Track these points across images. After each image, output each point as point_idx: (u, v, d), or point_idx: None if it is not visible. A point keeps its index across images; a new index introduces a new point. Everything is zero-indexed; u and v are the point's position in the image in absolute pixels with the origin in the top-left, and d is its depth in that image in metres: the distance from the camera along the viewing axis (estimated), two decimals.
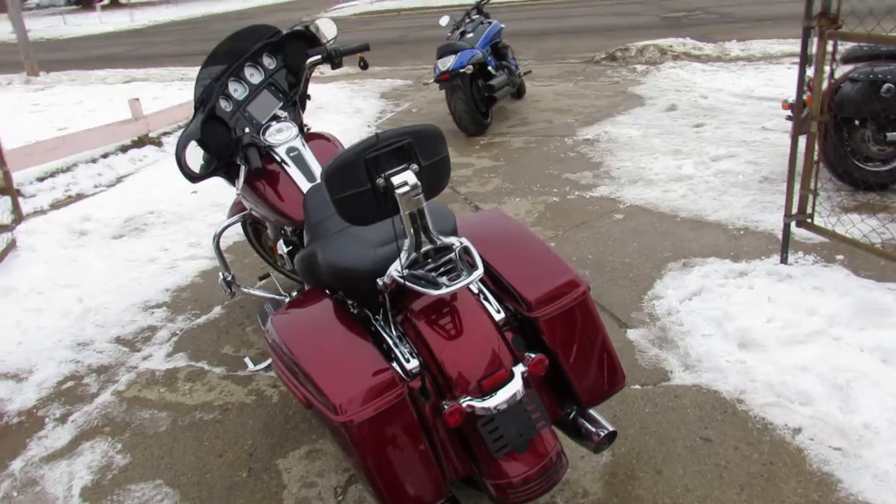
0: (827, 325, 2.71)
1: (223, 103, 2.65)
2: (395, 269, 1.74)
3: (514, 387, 1.70)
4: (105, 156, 6.43)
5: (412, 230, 1.70)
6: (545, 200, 4.54)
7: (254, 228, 3.20)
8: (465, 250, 1.75)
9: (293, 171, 2.57)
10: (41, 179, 5.78)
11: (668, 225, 3.93)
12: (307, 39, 2.94)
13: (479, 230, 2.12)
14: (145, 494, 2.24)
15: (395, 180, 1.64)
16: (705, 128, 5.70)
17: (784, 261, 3.27)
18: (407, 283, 1.68)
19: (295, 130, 2.70)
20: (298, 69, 2.88)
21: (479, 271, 1.69)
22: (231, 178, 2.68)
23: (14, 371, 3.03)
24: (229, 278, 2.96)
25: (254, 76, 2.79)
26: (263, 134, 2.67)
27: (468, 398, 1.68)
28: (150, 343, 3.19)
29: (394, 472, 1.64)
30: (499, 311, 1.87)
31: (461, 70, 5.87)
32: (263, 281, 3.23)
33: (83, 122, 7.34)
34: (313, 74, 3.04)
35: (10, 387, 2.91)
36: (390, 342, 1.81)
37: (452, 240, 1.77)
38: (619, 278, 3.41)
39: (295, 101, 2.89)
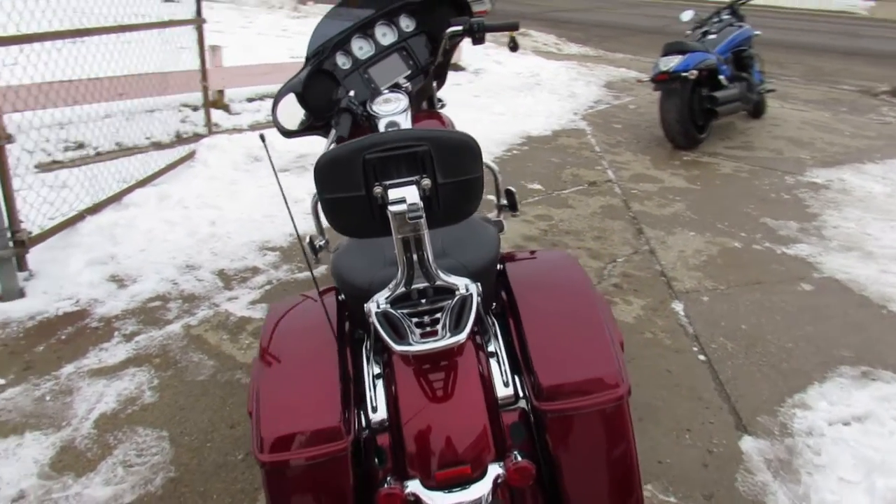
0: None
1: (341, 59, 2.43)
2: (379, 300, 1.40)
3: (477, 491, 1.30)
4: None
5: (404, 260, 1.35)
6: (724, 243, 3.83)
7: None
8: (464, 301, 1.36)
9: None
10: (251, 100, 6.13)
11: (865, 316, 3.09)
12: (458, 6, 2.61)
13: (531, 274, 1.70)
14: (144, 442, 2.17)
15: (392, 194, 1.28)
16: None
17: None
18: (373, 320, 1.34)
19: (403, 104, 2.40)
20: (438, 37, 2.57)
21: (459, 338, 1.29)
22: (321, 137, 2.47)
23: (122, 275, 3.16)
24: (322, 243, 2.79)
25: (386, 36, 2.52)
26: (372, 101, 2.42)
27: (418, 484, 1.32)
28: (244, 285, 3.16)
29: None
30: (507, 385, 1.45)
31: (683, 73, 5.18)
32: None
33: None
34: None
35: (110, 290, 3.04)
36: (366, 381, 1.49)
37: (458, 282, 1.39)
38: (765, 365, 2.73)
39: (427, 71, 2.59)
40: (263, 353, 1.54)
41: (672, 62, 5.26)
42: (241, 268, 3.32)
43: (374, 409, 1.43)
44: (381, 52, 2.50)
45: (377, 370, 1.49)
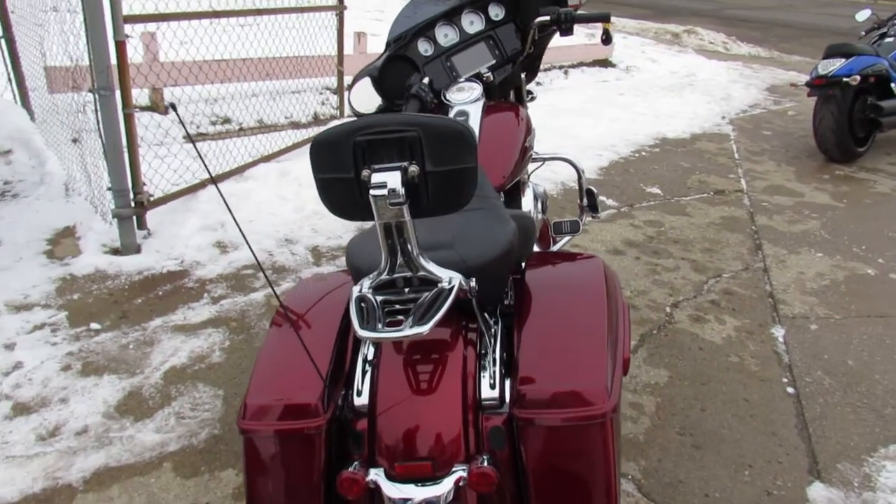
0: None
1: (423, 46, 2.43)
2: (364, 284, 1.39)
3: (434, 491, 1.27)
4: None
5: (386, 246, 1.33)
6: (854, 269, 3.42)
7: None
8: (440, 294, 1.31)
9: None
10: None
11: None
12: None
13: (549, 277, 1.61)
14: (200, 398, 2.32)
15: (375, 178, 1.27)
16: None
17: None
18: (350, 303, 1.33)
19: (476, 93, 2.36)
20: (527, 27, 2.50)
21: (419, 330, 1.24)
22: None
23: (226, 242, 3.39)
24: None
25: (473, 24, 2.49)
26: (447, 89, 2.40)
27: (382, 472, 1.31)
28: (332, 262, 3.28)
29: None
30: (493, 388, 1.39)
31: (844, 78, 4.67)
32: None
33: None
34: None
35: (212, 255, 3.27)
36: (357, 366, 1.49)
37: (443, 275, 1.34)
38: (865, 408, 2.41)
39: (514, 61, 2.53)
40: (275, 324, 1.58)
41: (832, 66, 4.76)
42: (335, 246, 3.44)
43: (359, 394, 1.43)
44: (467, 41, 2.48)
45: (370, 356, 1.49)
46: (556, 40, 2.77)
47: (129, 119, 3.12)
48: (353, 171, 1.30)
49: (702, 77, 7.77)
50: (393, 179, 1.26)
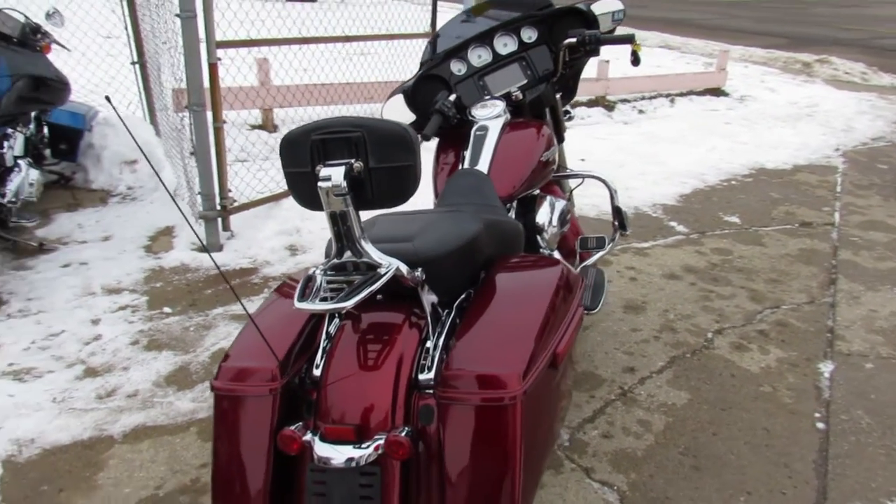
0: None
1: (456, 66, 2.60)
2: (318, 265, 1.57)
3: (356, 453, 1.40)
4: None
5: (333, 233, 1.50)
6: None
7: None
8: (371, 278, 1.45)
9: (468, 149, 2.41)
10: None
11: None
12: (586, 19, 2.61)
13: (508, 276, 1.71)
14: None
15: (322, 172, 1.45)
16: None
17: None
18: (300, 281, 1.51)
19: (498, 110, 2.48)
20: (558, 49, 2.60)
21: (338, 306, 1.39)
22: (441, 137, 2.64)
23: (297, 246, 3.68)
24: None
25: (507, 46, 2.63)
26: (473, 106, 2.54)
27: (317, 434, 1.46)
28: None
29: (228, 464, 1.56)
30: (429, 370, 1.51)
31: None
32: None
33: None
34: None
35: (282, 256, 3.58)
36: (322, 341, 1.66)
37: (384, 261, 1.49)
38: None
39: (546, 81, 2.63)
40: (267, 301, 1.79)
41: None
42: None
43: (317, 367, 1.60)
44: (500, 61, 2.62)
45: (333, 333, 1.66)
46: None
47: (218, 132, 3.51)
48: (309, 165, 1.49)
49: (824, 108, 7.36)
50: (337, 174, 1.43)
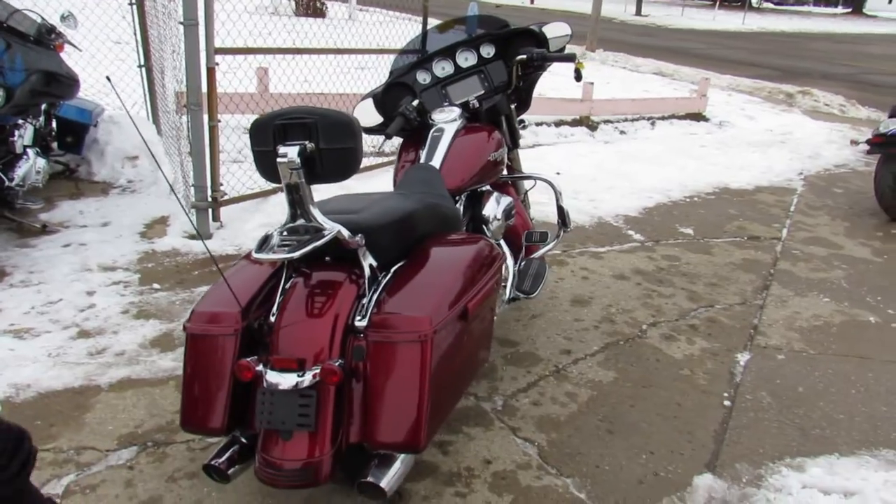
0: None
1: (421, 76, 2.94)
2: (277, 227, 1.90)
3: (296, 379, 1.72)
4: (539, 124, 7.19)
5: (288, 201, 1.83)
6: (856, 316, 3.49)
7: None
8: (314, 238, 1.78)
9: (425, 149, 2.74)
10: None
11: None
12: (537, 39, 2.95)
13: (440, 247, 2.05)
14: None
15: (280, 150, 1.78)
16: None
17: None
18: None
19: (453, 115, 2.81)
20: (511, 64, 2.95)
21: (282, 257, 1.74)
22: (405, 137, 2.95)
23: None
24: None
25: (468, 60, 2.97)
26: (433, 111, 2.88)
27: (268, 365, 1.78)
28: None
29: (195, 391, 1.87)
30: (363, 318, 1.82)
31: None
32: None
33: (565, 92, 7.83)
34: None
35: None
36: (280, 292, 1.97)
37: (328, 226, 1.82)
38: (793, 427, 2.57)
39: (501, 92, 2.96)
40: (243, 259, 2.09)
41: (893, 125, 4.77)
42: None
43: (273, 315, 1.92)
44: (461, 73, 2.96)
45: (288, 286, 1.98)
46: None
47: (213, 130, 3.85)
48: (272, 145, 1.82)
49: (797, 136, 7.72)
50: (293, 152, 1.77)
